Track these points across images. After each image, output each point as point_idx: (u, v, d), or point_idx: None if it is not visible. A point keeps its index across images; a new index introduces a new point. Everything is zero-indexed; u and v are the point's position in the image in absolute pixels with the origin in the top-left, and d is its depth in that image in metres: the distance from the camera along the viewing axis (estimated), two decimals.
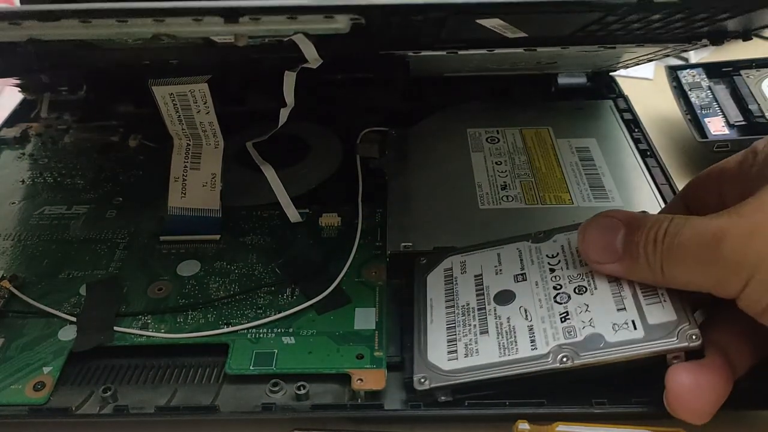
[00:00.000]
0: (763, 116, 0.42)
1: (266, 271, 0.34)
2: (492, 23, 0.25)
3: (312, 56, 0.28)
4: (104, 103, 0.48)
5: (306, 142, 0.43)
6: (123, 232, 0.37)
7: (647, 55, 0.39)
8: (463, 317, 0.29)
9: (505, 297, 0.29)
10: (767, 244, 0.23)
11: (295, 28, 0.25)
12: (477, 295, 0.30)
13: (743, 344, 0.26)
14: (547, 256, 0.31)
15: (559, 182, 0.38)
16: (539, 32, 0.30)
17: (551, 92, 0.47)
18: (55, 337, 0.31)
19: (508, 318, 0.28)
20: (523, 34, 0.28)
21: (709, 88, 0.45)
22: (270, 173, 0.38)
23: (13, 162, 0.44)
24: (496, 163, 0.40)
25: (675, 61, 0.54)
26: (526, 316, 0.28)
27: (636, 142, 0.41)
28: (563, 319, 0.28)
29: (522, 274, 0.30)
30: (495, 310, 0.29)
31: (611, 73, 0.48)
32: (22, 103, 0.49)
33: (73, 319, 0.31)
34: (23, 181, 0.42)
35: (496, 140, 0.42)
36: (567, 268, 0.30)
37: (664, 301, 0.27)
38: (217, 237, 0.36)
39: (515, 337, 0.28)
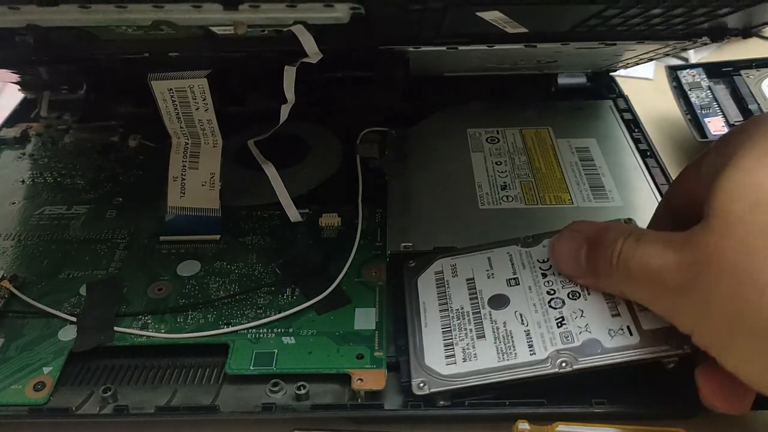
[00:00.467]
0: None
1: (266, 271, 0.34)
2: (492, 16, 0.25)
3: (312, 49, 0.27)
4: (104, 103, 0.48)
5: (306, 142, 0.43)
6: (123, 232, 0.37)
7: (647, 53, 0.39)
8: (459, 321, 0.29)
9: (499, 301, 0.30)
10: (710, 293, 0.22)
11: (295, 16, 0.25)
12: (471, 299, 0.30)
13: None
14: (538, 260, 0.31)
15: (559, 182, 0.38)
16: (539, 27, 0.29)
17: (551, 92, 0.47)
18: (55, 337, 0.31)
19: (504, 322, 0.29)
20: (523, 29, 0.28)
21: (709, 88, 0.45)
22: (271, 172, 0.38)
23: (13, 162, 0.44)
24: (496, 163, 0.40)
25: (675, 61, 0.54)
26: (522, 320, 0.28)
27: (636, 142, 0.41)
28: (559, 324, 0.28)
29: (515, 279, 0.30)
30: (490, 315, 0.29)
31: (611, 73, 0.48)
32: (22, 103, 0.49)
33: (73, 319, 0.31)
34: (23, 181, 0.42)
35: (496, 140, 0.42)
36: (559, 273, 0.30)
37: None
38: (217, 237, 0.36)
39: (513, 341, 0.28)
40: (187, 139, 0.37)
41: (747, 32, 0.31)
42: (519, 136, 0.42)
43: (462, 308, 0.30)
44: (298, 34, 0.26)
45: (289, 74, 0.32)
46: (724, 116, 0.43)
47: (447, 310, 0.30)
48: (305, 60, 0.29)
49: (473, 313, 0.29)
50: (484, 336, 0.28)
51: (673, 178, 0.38)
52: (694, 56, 0.55)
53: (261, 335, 0.30)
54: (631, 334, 0.27)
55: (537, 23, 0.28)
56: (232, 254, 0.35)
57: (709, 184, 0.23)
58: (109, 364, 0.30)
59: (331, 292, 0.32)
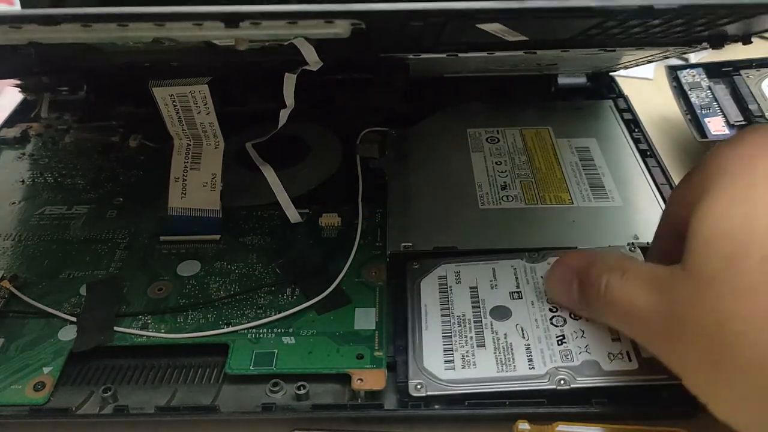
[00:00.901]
0: (763, 116, 0.42)
1: (266, 271, 0.34)
2: (492, 27, 0.25)
3: (312, 59, 0.28)
4: (104, 103, 0.48)
5: (306, 142, 0.43)
6: (123, 232, 0.37)
7: (647, 56, 0.39)
8: (460, 328, 0.29)
9: (501, 313, 0.30)
10: (692, 347, 0.22)
11: (296, 33, 0.25)
12: (473, 308, 0.30)
13: None
14: (542, 278, 0.31)
15: (559, 182, 0.38)
16: (540, 36, 0.30)
17: (551, 92, 0.47)
18: (55, 337, 0.31)
19: (505, 334, 0.29)
20: (523, 38, 0.28)
21: (709, 88, 0.45)
22: (270, 174, 0.38)
23: (13, 162, 0.44)
24: (496, 163, 0.40)
25: (675, 61, 0.53)
26: (523, 334, 0.29)
27: (636, 142, 0.41)
28: (560, 342, 0.28)
29: (518, 292, 0.31)
30: (492, 325, 0.29)
31: (611, 73, 0.48)
32: (22, 103, 0.49)
33: (73, 319, 0.31)
34: (23, 181, 0.42)
35: (496, 140, 0.42)
36: None
37: None
38: (217, 237, 0.36)
39: (512, 354, 0.28)
40: (189, 140, 0.37)
41: (747, 39, 0.31)
42: (519, 136, 0.42)
43: (464, 315, 0.30)
44: (299, 45, 0.26)
45: (290, 81, 0.32)
46: (724, 116, 0.43)
47: (449, 315, 0.30)
48: (306, 68, 0.29)
49: (474, 322, 0.29)
50: (484, 345, 0.28)
51: (673, 180, 0.38)
52: (694, 56, 0.55)
53: (261, 335, 0.30)
54: (630, 360, 0.27)
55: (537, 33, 0.29)
56: (232, 254, 0.35)
57: (691, 210, 0.23)
58: (109, 364, 0.30)
59: (331, 292, 0.32)
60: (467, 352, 0.28)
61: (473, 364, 0.28)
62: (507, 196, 0.37)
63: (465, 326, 0.29)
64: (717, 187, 0.23)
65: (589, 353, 0.28)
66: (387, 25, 0.26)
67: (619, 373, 0.27)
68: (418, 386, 0.27)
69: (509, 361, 0.28)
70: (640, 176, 0.38)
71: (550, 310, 0.30)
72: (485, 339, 0.29)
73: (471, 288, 0.31)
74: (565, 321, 0.29)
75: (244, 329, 0.31)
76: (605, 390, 0.27)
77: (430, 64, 0.40)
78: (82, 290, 0.33)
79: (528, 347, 0.28)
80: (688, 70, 0.47)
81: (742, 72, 0.46)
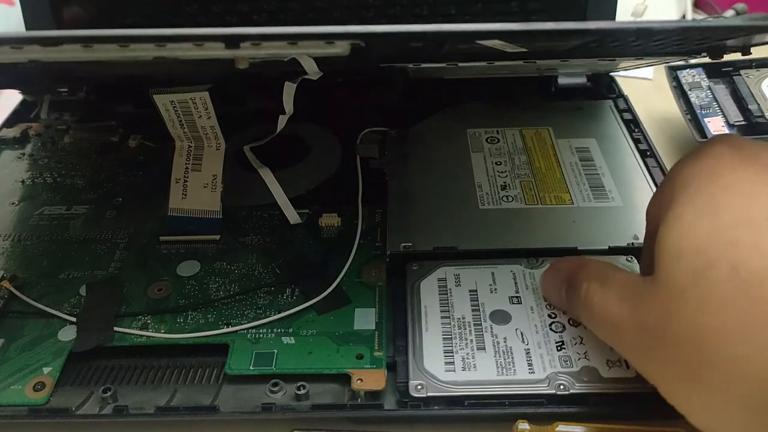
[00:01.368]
0: (763, 116, 0.42)
1: (266, 272, 0.34)
2: (492, 43, 0.25)
3: (312, 70, 0.28)
4: (104, 104, 0.48)
5: (306, 142, 0.43)
6: (123, 233, 0.37)
7: (648, 62, 0.39)
8: (460, 330, 0.29)
9: (501, 317, 0.30)
10: (665, 362, 0.22)
11: (296, 52, 0.25)
12: (473, 311, 0.30)
13: None
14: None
15: (559, 182, 0.38)
16: (539, 48, 0.30)
17: (551, 92, 0.47)
18: (55, 338, 0.31)
19: (505, 338, 0.29)
20: (523, 50, 0.28)
21: (709, 88, 0.45)
22: (268, 177, 0.38)
23: (13, 162, 0.44)
24: (496, 163, 0.40)
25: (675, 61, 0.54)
26: (523, 339, 0.29)
27: (636, 142, 0.41)
28: (559, 348, 0.28)
29: (517, 297, 0.31)
30: (491, 329, 0.29)
31: (611, 74, 0.48)
32: (22, 104, 0.49)
33: (73, 319, 0.31)
34: (23, 182, 0.42)
35: (496, 140, 0.42)
36: None
37: None
38: (217, 237, 0.36)
39: (512, 358, 0.28)
40: (191, 142, 0.37)
41: (746, 50, 0.31)
42: (519, 136, 0.42)
43: (464, 318, 0.30)
44: (299, 59, 0.26)
45: (289, 90, 0.32)
46: (724, 116, 0.43)
47: (449, 317, 0.30)
48: (306, 77, 0.29)
49: (474, 325, 0.30)
50: (484, 348, 0.29)
51: None
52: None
53: (261, 335, 0.30)
54: (627, 368, 0.27)
55: (537, 46, 0.29)
56: (232, 254, 0.35)
57: (660, 222, 0.23)
58: (109, 364, 0.30)
59: (331, 292, 0.32)
60: (467, 354, 0.28)
61: (473, 367, 0.28)
62: (507, 197, 0.37)
63: (465, 329, 0.29)
64: (681, 201, 0.23)
65: (588, 360, 0.28)
66: (387, 44, 0.26)
67: (618, 381, 0.27)
68: (419, 387, 0.27)
69: (509, 364, 0.28)
70: (640, 176, 0.38)
71: (549, 315, 0.30)
72: (485, 342, 0.29)
73: (471, 291, 0.31)
74: (564, 327, 0.29)
75: (243, 329, 0.31)
76: (604, 397, 0.27)
77: (430, 70, 0.40)
78: (82, 290, 0.33)
79: (528, 352, 0.28)
80: (688, 70, 0.47)
81: (742, 72, 0.46)
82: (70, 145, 0.45)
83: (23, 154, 0.45)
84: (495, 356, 0.28)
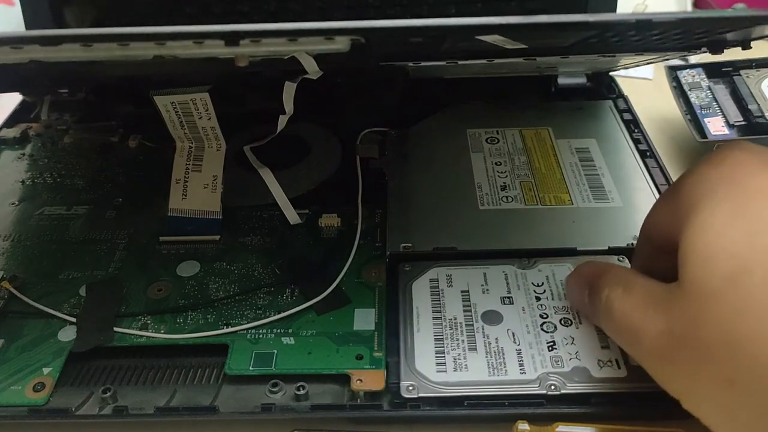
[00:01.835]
0: (763, 116, 0.42)
1: (266, 272, 0.34)
2: (492, 38, 0.25)
3: (312, 69, 0.28)
4: (104, 104, 0.48)
5: (306, 142, 0.43)
6: (123, 233, 0.37)
7: (648, 59, 0.39)
8: (451, 331, 0.29)
9: (492, 317, 0.30)
10: (698, 370, 0.21)
11: (296, 49, 0.25)
12: (465, 311, 0.30)
13: None
14: (533, 284, 0.31)
15: (558, 183, 0.38)
16: (539, 44, 0.30)
17: (551, 92, 0.47)
18: (54, 338, 0.31)
19: (497, 339, 0.29)
20: (522, 46, 0.28)
21: (709, 88, 0.45)
22: (268, 177, 0.38)
23: (13, 162, 0.44)
24: (495, 163, 0.40)
25: (675, 61, 0.53)
26: (514, 339, 0.29)
27: (636, 142, 0.41)
28: (550, 348, 0.28)
29: (509, 298, 0.31)
30: (483, 329, 0.29)
31: (611, 73, 0.48)
32: (22, 104, 0.49)
33: (73, 319, 0.31)
34: (23, 182, 0.42)
35: (496, 140, 0.42)
36: (552, 299, 0.31)
37: None
38: (217, 237, 0.36)
39: (504, 358, 0.28)
40: (191, 143, 0.37)
41: (746, 44, 0.31)
42: (519, 137, 0.42)
43: (455, 319, 0.30)
44: (299, 57, 0.26)
45: (289, 89, 0.32)
46: (724, 116, 0.43)
47: (440, 318, 0.30)
48: (306, 77, 0.29)
49: (466, 325, 0.30)
50: (475, 349, 0.29)
51: (673, 180, 0.38)
52: (694, 56, 0.55)
53: (260, 336, 0.30)
54: (619, 368, 0.27)
55: (537, 42, 0.29)
56: (232, 255, 0.35)
57: (680, 228, 0.23)
58: (109, 365, 0.30)
59: (330, 292, 0.32)
60: (459, 355, 0.28)
61: (465, 367, 0.28)
62: (507, 197, 0.37)
63: (456, 329, 0.29)
64: (708, 206, 0.22)
65: (579, 360, 0.28)
66: (387, 40, 0.26)
67: (609, 381, 0.27)
68: (410, 387, 0.27)
69: (500, 365, 0.28)
70: (639, 177, 0.38)
71: (541, 316, 0.30)
72: (477, 343, 0.29)
73: (462, 292, 0.31)
74: (555, 327, 0.29)
75: (243, 330, 0.31)
76: (595, 396, 0.27)
77: (430, 69, 0.40)
78: (82, 291, 0.33)
79: (519, 352, 0.28)
80: (687, 70, 0.47)
81: (742, 72, 0.46)
82: (70, 146, 0.45)
83: (23, 155, 0.45)
84: (486, 357, 0.28)
